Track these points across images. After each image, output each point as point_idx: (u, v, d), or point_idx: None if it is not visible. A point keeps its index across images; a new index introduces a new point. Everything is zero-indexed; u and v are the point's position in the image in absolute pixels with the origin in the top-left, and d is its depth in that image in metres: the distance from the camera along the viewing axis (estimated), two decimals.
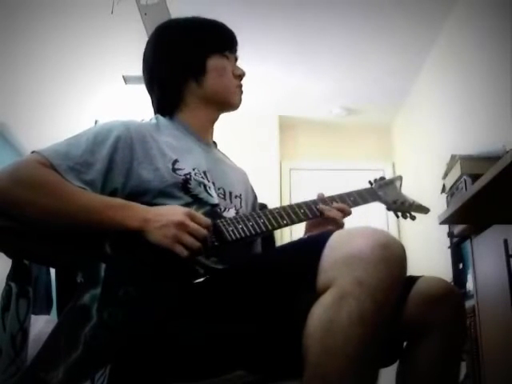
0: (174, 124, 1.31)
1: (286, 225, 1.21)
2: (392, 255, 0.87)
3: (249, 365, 0.98)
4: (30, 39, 3.69)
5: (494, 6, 2.78)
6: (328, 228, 1.27)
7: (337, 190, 1.37)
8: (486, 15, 2.91)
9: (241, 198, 1.32)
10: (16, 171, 1.05)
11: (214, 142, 1.42)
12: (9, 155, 4.59)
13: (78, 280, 0.97)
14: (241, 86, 1.36)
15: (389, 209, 1.48)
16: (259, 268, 1.01)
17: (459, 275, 2.82)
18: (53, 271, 1.22)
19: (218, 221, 1.12)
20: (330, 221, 1.28)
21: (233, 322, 0.97)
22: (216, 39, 1.34)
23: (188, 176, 1.19)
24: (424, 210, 1.50)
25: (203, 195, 1.19)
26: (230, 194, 1.29)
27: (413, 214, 1.48)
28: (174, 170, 1.18)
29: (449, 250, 2.99)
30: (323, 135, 4.89)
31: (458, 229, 2.22)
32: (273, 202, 2.71)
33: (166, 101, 1.32)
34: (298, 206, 1.26)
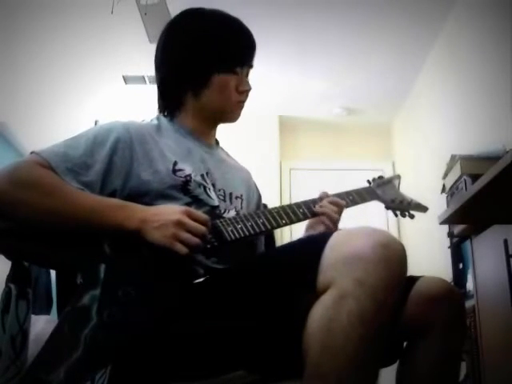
0: (174, 125, 1.30)
1: (286, 224, 1.21)
2: (392, 255, 0.87)
3: (249, 365, 0.98)
4: (30, 39, 3.69)
5: (494, 6, 2.78)
6: (322, 224, 1.27)
7: (337, 190, 1.38)
8: (486, 15, 2.91)
9: (242, 199, 1.32)
10: (14, 172, 1.05)
11: (217, 141, 1.41)
12: (9, 155, 4.60)
13: (77, 281, 0.97)
14: (242, 101, 1.31)
15: (387, 207, 1.48)
16: (259, 268, 1.01)
17: (459, 275, 2.82)
18: (53, 271, 1.22)
19: (217, 221, 1.12)
20: (326, 217, 1.28)
21: (233, 322, 0.96)
22: (229, 57, 1.26)
23: (188, 178, 1.18)
24: (422, 208, 1.50)
25: (203, 196, 1.19)
26: (231, 195, 1.28)
27: (411, 212, 1.48)
28: (174, 171, 1.18)
29: (449, 250, 2.99)
30: (323, 135, 4.90)
31: (457, 229, 2.22)
32: (273, 202, 2.72)
33: (166, 103, 1.32)
34: (298, 205, 1.27)
